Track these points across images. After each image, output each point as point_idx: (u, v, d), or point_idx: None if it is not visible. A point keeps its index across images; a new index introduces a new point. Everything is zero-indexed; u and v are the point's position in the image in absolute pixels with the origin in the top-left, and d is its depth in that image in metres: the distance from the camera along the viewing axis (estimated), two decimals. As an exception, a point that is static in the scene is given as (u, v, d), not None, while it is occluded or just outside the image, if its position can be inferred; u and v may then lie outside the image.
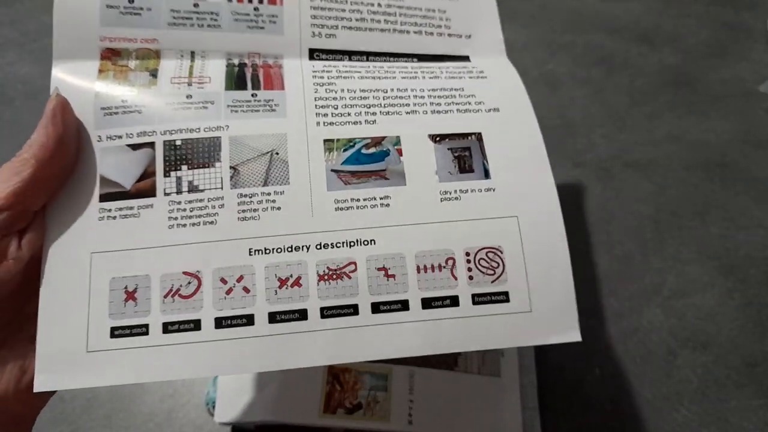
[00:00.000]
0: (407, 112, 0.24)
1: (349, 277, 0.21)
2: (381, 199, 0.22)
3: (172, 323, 0.20)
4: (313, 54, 0.26)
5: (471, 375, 0.32)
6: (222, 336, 0.20)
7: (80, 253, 0.21)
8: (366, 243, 0.22)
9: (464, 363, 0.32)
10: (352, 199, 0.22)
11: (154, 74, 0.24)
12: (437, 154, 0.23)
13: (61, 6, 0.24)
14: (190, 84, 0.24)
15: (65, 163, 0.21)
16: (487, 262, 0.22)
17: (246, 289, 0.21)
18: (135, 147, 0.22)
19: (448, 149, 0.23)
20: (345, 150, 0.23)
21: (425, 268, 0.22)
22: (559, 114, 0.49)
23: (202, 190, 0.22)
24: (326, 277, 0.21)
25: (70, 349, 0.20)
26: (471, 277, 0.21)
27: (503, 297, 0.21)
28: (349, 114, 0.24)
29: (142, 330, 0.20)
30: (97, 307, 0.20)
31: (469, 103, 0.25)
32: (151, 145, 0.22)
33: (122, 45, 0.24)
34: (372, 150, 0.23)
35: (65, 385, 0.20)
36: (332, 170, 0.23)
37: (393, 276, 0.21)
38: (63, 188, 0.22)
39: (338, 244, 0.22)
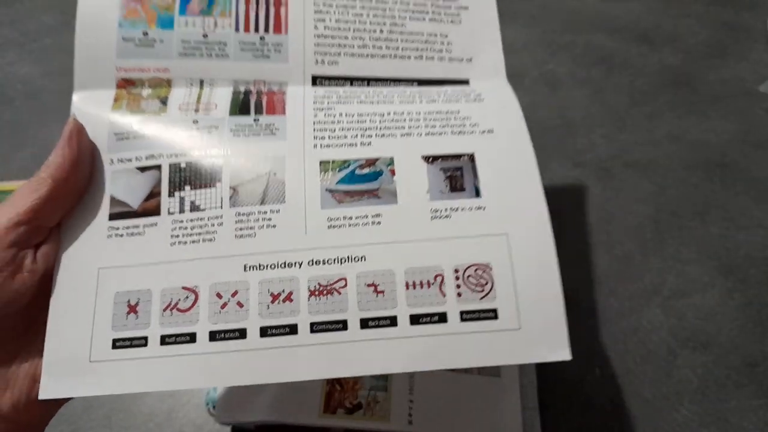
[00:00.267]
0: (402, 135, 0.25)
1: (339, 293, 0.22)
2: (373, 216, 0.23)
3: (170, 336, 0.21)
4: (316, 80, 0.27)
5: (471, 375, 0.32)
6: (215, 349, 0.21)
7: (89, 268, 0.22)
8: (357, 260, 0.22)
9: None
10: (344, 217, 0.23)
11: (164, 102, 0.26)
12: (429, 173, 0.24)
13: (82, 40, 0.25)
14: (197, 110, 0.25)
15: (79, 184, 0.23)
16: (476, 279, 0.22)
17: (240, 304, 0.22)
18: (143, 169, 0.24)
19: (441, 169, 0.24)
20: (340, 170, 0.24)
21: (414, 284, 0.22)
22: (559, 114, 0.49)
23: (203, 210, 0.23)
24: (317, 293, 0.22)
25: (74, 358, 0.21)
26: (459, 294, 0.22)
27: (492, 314, 0.21)
28: (345, 137, 0.25)
29: (142, 342, 0.21)
30: (101, 319, 0.21)
31: (464, 125, 0.25)
32: (158, 167, 0.24)
33: (136, 75, 0.26)
34: (366, 170, 0.24)
35: (68, 393, 0.21)
36: (327, 190, 0.23)
37: (382, 292, 0.22)
38: (76, 206, 0.23)
39: (330, 261, 0.22)
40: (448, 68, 0.28)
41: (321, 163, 0.24)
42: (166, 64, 0.26)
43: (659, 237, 0.40)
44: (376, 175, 0.24)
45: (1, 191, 0.43)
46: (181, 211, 0.23)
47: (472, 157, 0.24)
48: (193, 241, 0.23)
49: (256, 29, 0.27)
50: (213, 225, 0.23)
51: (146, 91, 0.26)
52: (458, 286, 0.22)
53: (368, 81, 0.27)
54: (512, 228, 0.22)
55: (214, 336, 0.21)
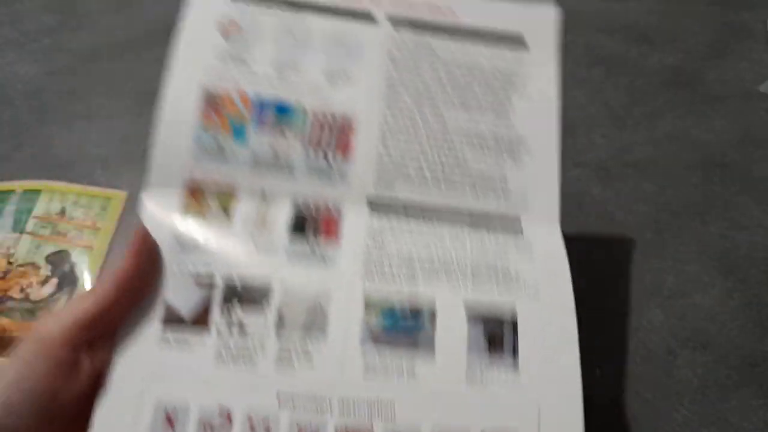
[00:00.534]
0: (449, 281, 0.25)
1: None
2: (408, 368, 0.23)
3: None
4: (372, 204, 0.27)
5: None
6: None
7: (137, 374, 0.23)
8: (386, 411, 0.22)
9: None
10: (381, 363, 0.23)
11: (228, 212, 0.26)
12: (470, 329, 0.24)
13: (159, 141, 0.26)
14: (258, 226, 0.26)
15: (141, 292, 0.24)
16: None
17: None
18: (200, 282, 0.25)
19: (481, 325, 0.24)
20: (383, 310, 0.24)
21: None
22: (559, 114, 0.48)
23: (248, 333, 0.24)
24: None
25: None
26: None
27: None
28: (393, 275, 0.25)
29: None
30: (140, 427, 0.22)
31: (510, 281, 0.26)
32: (213, 282, 0.25)
33: (206, 182, 0.27)
34: (408, 314, 0.24)
35: None
36: (368, 329, 0.24)
37: None
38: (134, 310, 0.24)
39: (360, 407, 0.23)
40: (503, 205, 0.28)
41: (366, 299, 0.25)
42: (236, 176, 0.27)
43: (659, 237, 0.40)
44: (417, 323, 0.24)
45: (1, 191, 0.43)
46: (230, 330, 0.24)
47: (513, 317, 0.24)
48: (236, 363, 0.23)
49: (324, 150, 0.27)
50: (256, 349, 0.23)
51: (212, 199, 0.27)
52: None
53: (422, 210, 0.27)
54: (544, 397, 0.23)
55: None
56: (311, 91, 0.28)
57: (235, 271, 0.25)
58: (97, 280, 0.23)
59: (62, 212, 0.41)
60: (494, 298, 0.25)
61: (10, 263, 0.39)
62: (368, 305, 0.24)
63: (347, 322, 0.24)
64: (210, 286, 0.24)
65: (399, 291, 0.25)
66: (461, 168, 0.28)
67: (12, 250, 0.39)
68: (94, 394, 0.22)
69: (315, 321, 0.24)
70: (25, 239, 0.40)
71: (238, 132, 0.27)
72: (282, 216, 0.26)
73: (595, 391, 0.33)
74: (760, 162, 0.44)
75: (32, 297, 0.37)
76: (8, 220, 0.41)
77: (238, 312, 0.24)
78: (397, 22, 0.29)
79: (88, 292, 0.22)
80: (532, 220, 0.27)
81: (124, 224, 0.41)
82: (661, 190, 0.43)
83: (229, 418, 0.22)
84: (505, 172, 0.28)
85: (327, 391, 0.23)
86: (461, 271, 0.26)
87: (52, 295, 0.38)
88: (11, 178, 0.44)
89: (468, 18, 0.29)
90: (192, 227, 0.26)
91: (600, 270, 0.38)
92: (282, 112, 0.28)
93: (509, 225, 0.27)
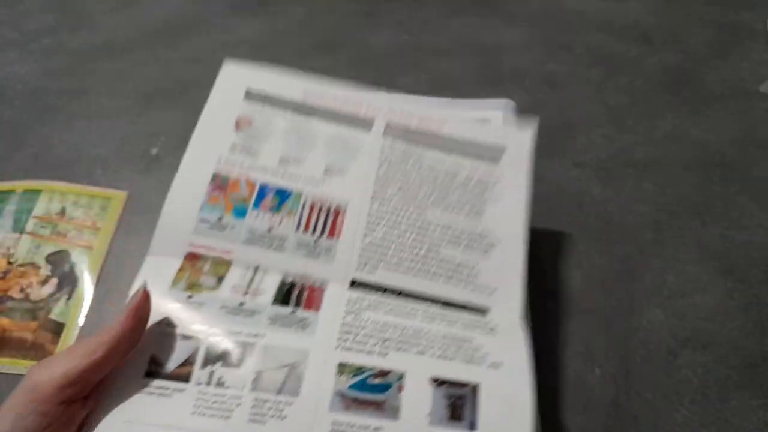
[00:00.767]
0: (417, 352, 0.27)
1: None
2: (374, 429, 0.25)
3: None
4: (354, 283, 0.30)
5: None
6: None
7: (120, 419, 0.24)
8: None
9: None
10: (348, 424, 0.25)
11: (220, 279, 0.29)
12: (434, 397, 0.26)
13: (167, 213, 0.30)
14: (246, 293, 0.29)
15: (131, 348, 0.25)
16: None
17: None
18: (185, 338, 0.27)
19: (445, 395, 0.26)
20: (354, 376, 0.26)
21: None
22: (559, 114, 0.49)
23: (227, 387, 0.25)
24: None
25: None
26: None
27: None
28: (366, 343, 0.27)
29: None
30: None
31: (474, 355, 0.28)
32: (198, 339, 0.27)
33: (204, 251, 0.30)
34: (377, 381, 0.26)
35: None
36: (338, 392, 0.26)
37: None
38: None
39: None
40: (471, 295, 0.30)
41: (339, 365, 0.26)
42: (231, 247, 0.30)
43: (659, 237, 0.40)
44: (385, 388, 0.26)
45: (1, 191, 0.43)
46: (208, 384, 0.25)
47: (475, 389, 0.26)
48: (212, 415, 0.25)
49: (314, 231, 0.31)
50: (232, 404, 0.25)
51: (207, 267, 0.29)
52: None
53: (399, 292, 0.30)
54: None
55: None
56: (309, 181, 0.32)
57: (220, 331, 0.27)
58: (93, 337, 0.24)
59: (62, 212, 0.41)
60: (459, 368, 0.27)
61: (10, 263, 0.39)
62: (341, 370, 0.26)
63: (319, 385, 0.26)
64: (195, 342, 0.27)
65: (371, 359, 0.27)
66: (437, 260, 0.31)
67: (12, 250, 0.39)
68: None
69: (289, 383, 0.26)
70: (25, 239, 0.40)
71: (239, 211, 0.31)
72: (270, 287, 0.29)
73: (595, 391, 0.33)
74: (760, 162, 0.44)
75: (32, 297, 0.37)
76: (8, 220, 0.41)
77: (219, 368, 0.26)
78: (392, 130, 0.34)
79: (79, 346, 0.24)
80: (498, 303, 0.30)
81: (123, 224, 0.41)
82: (661, 190, 0.43)
83: None
84: (476, 265, 0.31)
85: None
86: (430, 341, 0.28)
87: (52, 295, 0.38)
88: (11, 178, 0.44)
89: (455, 130, 0.34)
90: (185, 290, 0.28)
91: (600, 270, 0.38)
92: (281, 195, 0.31)
93: (476, 308, 0.30)
